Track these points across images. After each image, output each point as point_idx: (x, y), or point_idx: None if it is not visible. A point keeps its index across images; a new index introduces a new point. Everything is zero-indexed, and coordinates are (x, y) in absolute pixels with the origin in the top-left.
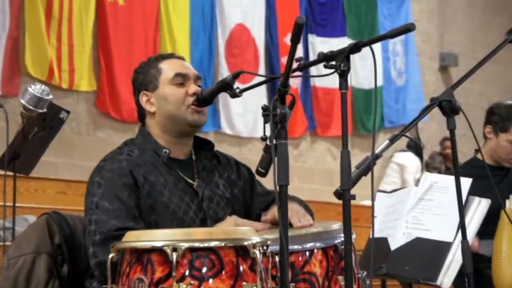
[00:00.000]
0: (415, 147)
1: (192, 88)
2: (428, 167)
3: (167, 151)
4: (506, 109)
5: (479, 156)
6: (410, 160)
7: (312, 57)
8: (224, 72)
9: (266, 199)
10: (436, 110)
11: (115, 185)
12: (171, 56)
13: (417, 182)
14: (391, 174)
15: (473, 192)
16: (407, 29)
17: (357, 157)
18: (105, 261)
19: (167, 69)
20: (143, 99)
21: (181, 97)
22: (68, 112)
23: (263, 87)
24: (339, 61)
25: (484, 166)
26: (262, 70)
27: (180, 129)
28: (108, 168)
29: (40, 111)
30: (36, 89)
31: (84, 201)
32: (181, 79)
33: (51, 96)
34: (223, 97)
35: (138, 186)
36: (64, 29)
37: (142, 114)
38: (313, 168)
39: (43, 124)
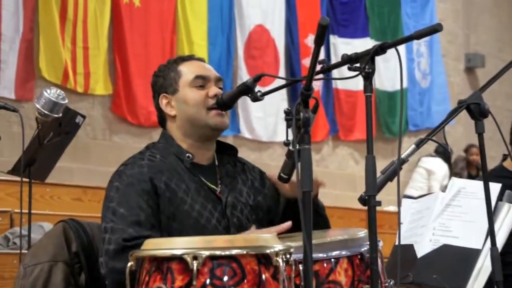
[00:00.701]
0: (444, 153)
1: (213, 90)
2: (450, 172)
3: (190, 155)
4: None
5: (505, 164)
6: (438, 166)
7: (334, 58)
8: (243, 74)
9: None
10: (462, 113)
11: (133, 191)
12: (190, 58)
13: (444, 189)
14: (418, 179)
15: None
16: (435, 29)
17: (379, 163)
18: (118, 269)
19: (187, 71)
20: (163, 102)
21: (202, 100)
22: (84, 116)
23: (284, 90)
24: (363, 63)
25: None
26: (282, 72)
27: (202, 133)
28: (128, 173)
29: (56, 115)
30: (51, 93)
31: (102, 206)
32: (201, 81)
33: (66, 101)
34: (243, 100)
35: (158, 194)
36: (79, 32)
37: (162, 118)
38: (335, 173)
39: (59, 129)
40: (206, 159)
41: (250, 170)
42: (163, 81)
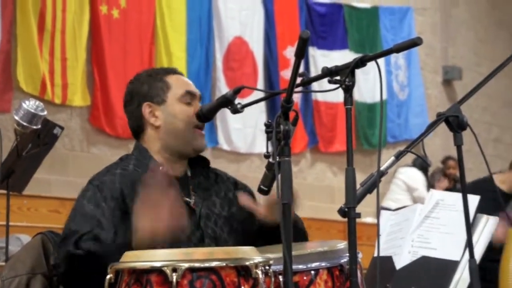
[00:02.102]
0: (421, 164)
1: (198, 108)
2: (430, 185)
3: (164, 168)
4: None
5: (494, 178)
6: (418, 179)
7: (313, 70)
8: (222, 86)
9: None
10: (440, 126)
11: (100, 196)
12: (175, 71)
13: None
14: (396, 190)
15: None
16: (414, 43)
17: (358, 175)
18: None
19: (177, 85)
20: (146, 110)
21: (191, 117)
22: (62, 128)
23: (262, 102)
24: (343, 76)
25: (495, 190)
26: (261, 84)
27: (182, 149)
28: (99, 180)
29: (35, 127)
30: (30, 105)
31: None
32: (189, 97)
33: (45, 112)
34: (221, 111)
35: (127, 204)
36: (57, 43)
37: (138, 126)
38: (313, 185)
39: (37, 141)
40: (179, 172)
41: (224, 180)
42: (148, 90)
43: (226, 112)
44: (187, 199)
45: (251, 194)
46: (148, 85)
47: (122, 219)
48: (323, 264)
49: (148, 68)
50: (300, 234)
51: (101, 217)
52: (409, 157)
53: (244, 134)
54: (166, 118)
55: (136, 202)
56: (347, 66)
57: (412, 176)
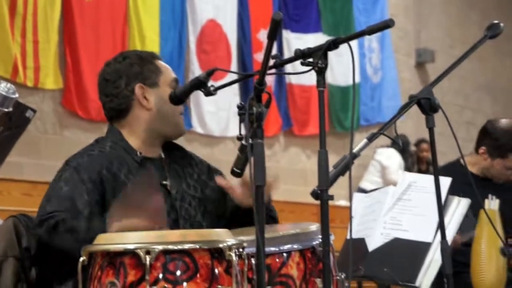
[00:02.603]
0: (399, 146)
1: None
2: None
3: (140, 153)
4: (504, 135)
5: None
6: (392, 159)
7: (287, 53)
8: (195, 69)
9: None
10: (412, 108)
11: (77, 178)
12: (159, 57)
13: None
14: (372, 171)
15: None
16: (386, 25)
17: (331, 158)
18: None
19: (166, 71)
20: (139, 91)
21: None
22: (34, 111)
23: (236, 85)
24: (316, 58)
25: (467, 173)
26: (234, 66)
27: (168, 132)
28: (76, 162)
29: (6, 110)
30: (1, 87)
31: None
32: (175, 84)
33: (17, 95)
34: (195, 95)
35: (105, 186)
36: (28, 25)
37: (124, 106)
38: (286, 168)
39: (9, 124)
40: (155, 154)
41: (197, 163)
42: (140, 71)
43: (200, 95)
44: (163, 180)
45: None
46: (139, 67)
47: (100, 201)
48: (295, 246)
49: (130, 50)
50: (272, 223)
51: (78, 199)
52: (384, 140)
53: (217, 117)
54: (158, 102)
55: (118, 197)
56: (319, 48)
57: (388, 156)
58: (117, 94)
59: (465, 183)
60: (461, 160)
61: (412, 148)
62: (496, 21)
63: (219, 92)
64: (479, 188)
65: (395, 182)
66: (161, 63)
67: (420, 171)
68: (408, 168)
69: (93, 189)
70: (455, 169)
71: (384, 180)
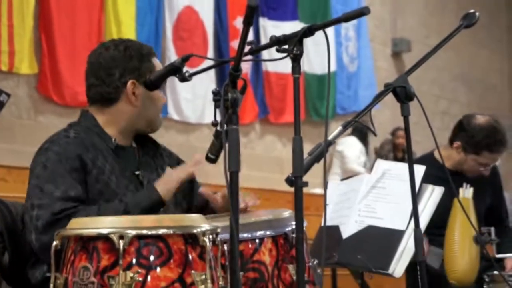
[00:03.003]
0: (360, 131)
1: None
2: (376, 154)
3: (115, 140)
4: (479, 132)
5: (437, 154)
6: (352, 147)
7: (264, 41)
8: (172, 56)
9: (202, 199)
10: (389, 97)
11: (62, 168)
12: (155, 53)
13: (364, 167)
14: (336, 163)
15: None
16: (362, 12)
17: (307, 146)
18: (48, 244)
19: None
20: (130, 87)
21: (162, 105)
22: (8, 94)
23: (212, 72)
24: (291, 45)
25: (441, 163)
26: (211, 54)
27: (143, 129)
28: (55, 150)
29: None
30: None
31: (28, 184)
32: (164, 84)
33: None
34: (171, 81)
35: (86, 171)
36: (3, 9)
37: (112, 96)
38: (262, 156)
39: None
40: (127, 143)
41: (167, 155)
42: (138, 66)
43: (176, 82)
44: (135, 170)
45: None
46: (138, 62)
47: (87, 184)
48: (267, 232)
49: (131, 41)
50: None
51: (70, 190)
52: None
53: (193, 104)
54: (145, 101)
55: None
56: (295, 35)
57: (349, 145)
58: (109, 82)
59: (438, 176)
60: (435, 153)
61: (388, 136)
62: (472, 11)
63: (196, 79)
64: (455, 175)
65: (354, 171)
66: (158, 63)
67: (396, 158)
68: (383, 156)
69: (79, 175)
70: (429, 163)
71: (342, 170)
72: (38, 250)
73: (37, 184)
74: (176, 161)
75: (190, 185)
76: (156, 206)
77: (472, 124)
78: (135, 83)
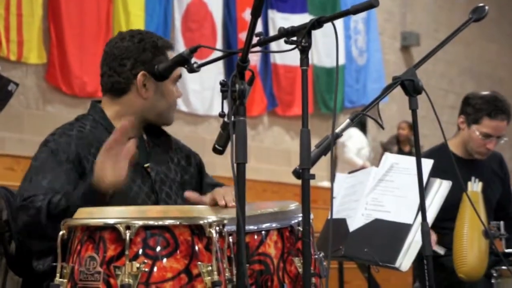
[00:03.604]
0: (360, 122)
1: (179, 90)
2: (383, 148)
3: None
4: (480, 100)
5: (450, 145)
6: (352, 138)
7: (272, 33)
8: (180, 47)
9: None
10: (397, 91)
11: (55, 159)
12: (172, 47)
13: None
14: (340, 156)
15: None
16: (371, 5)
17: (314, 140)
18: (18, 227)
19: None
20: (141, 78)
21: (176, 100)
22: (17, 84)
23: (220, 64)
24: (300, 37)
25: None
26: (219, 45)
27: (153, 121)
28: (54, 142)
29: None
30: None
31: None
32: (179, 79)
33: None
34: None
35: (83, 166)
36: None
37: (121, 87)
38: (270, 148)
39: None
40: (136, 134)
41: (177, 148)
42: (151, 58)
43: (184, 73)
44: (144, 162)
45: (200, 164)
46: (152, 54)
47: (79, 181)
48: (273, 225)
49: (148, 32)
50: None
51: (55, 182)
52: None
53: (202, 96)
54: (156, 96)
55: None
56: (303, 27)
57: (349, 136)
58: (120, 72)
59: (452, 165)
60: (449, 143)
61: (396, 131)
62: (481, 5)
63: (204, 70)
64: (464, 169)
65: (351, 161)
66: (172, 55)
67: (401, 152)
68: (388, 149)
69: (72, 168)
70: (441, 153)
71: (341, 159)
72: (14, 233)
73: (27, 175)
74: (186, 153)
75: (198, 184)
76: (92, 194)
77: (475, 96)
78: (146, 75)
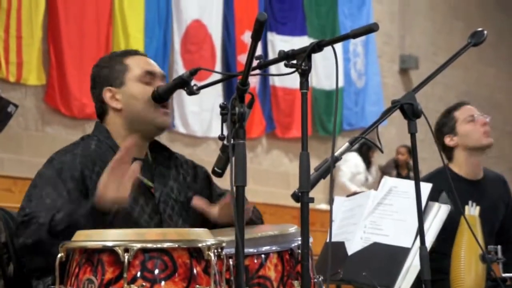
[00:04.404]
0: (360, 148)
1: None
2: (381, 172)
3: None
4: (441, 116)
5: (452, 166)
6: (347, 162)
7: (272, 55)
8: (179, 69)
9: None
10: (396, 114)
11: (59, 178)
12: (136, 52)
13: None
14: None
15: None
16: (370, 29)
17: (313, 162)
18: (19, 245)
19: (135, 65)
20: (106, 95)
21: (150, 96)
22: (16, 106)
23: (220, 86)
24: (300, 60)
25: (455, 178)
26: (218, 67)
27: (146, 129)
28: (58, 160)
29: None
30: None
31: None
32: (149, 77)
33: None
34: (178, 94)
35: (86, 184)
36: (12, 21)
37: (103, 111)
38: (268, 171)
39: None
40: (141, 154)
41: (182, 164)
42: (109, 73)
43: (183, 95)
44: (148, 182)
45: (206, 174)
46: (108, 69)
47: (82, 199)
48: (273, 248)
49: (112, 52)
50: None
51: (58, 200)
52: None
53: (200, 117)
54: (126, 100)
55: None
56: (303, 50)
57: (345, 160)
58: (96, 99)
59: (454, 187)
60: (451, 165)
61: (394, 155)
62: (480, 29)
63: (203, 92)
64: (467, 190)
65: (343, 186)
66: (132, 59)
67: (399, 176)
68: (387, 173)
69: (75, 187)
70: (443, 176)
71: (336, 183)
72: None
73: (29, 193)
74: (192, 169)
75: (209, 195)
76: (95, 212)
77: (437, 121)
78: (110, 89)
